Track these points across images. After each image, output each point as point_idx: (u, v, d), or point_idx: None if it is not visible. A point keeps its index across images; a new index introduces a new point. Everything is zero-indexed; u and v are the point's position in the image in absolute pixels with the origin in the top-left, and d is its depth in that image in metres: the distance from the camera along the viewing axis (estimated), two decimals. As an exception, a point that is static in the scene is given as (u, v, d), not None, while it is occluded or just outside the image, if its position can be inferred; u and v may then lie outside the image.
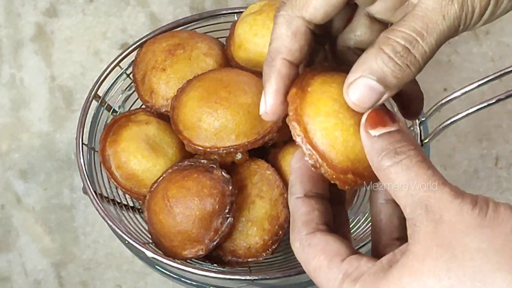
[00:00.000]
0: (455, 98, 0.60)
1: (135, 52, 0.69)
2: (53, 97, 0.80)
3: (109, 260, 0.73)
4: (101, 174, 0.66)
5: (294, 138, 0.40)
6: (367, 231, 0.63)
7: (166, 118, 0.66)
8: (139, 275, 0.72)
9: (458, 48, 0.80)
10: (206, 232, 0.59)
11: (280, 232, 0.61)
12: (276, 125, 0.61)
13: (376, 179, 0.39)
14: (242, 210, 0.61)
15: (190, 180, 0.60)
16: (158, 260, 0.60)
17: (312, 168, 0.40)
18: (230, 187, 0.60)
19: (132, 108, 0.70)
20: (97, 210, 0.62)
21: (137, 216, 0.67)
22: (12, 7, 0.84)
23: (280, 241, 0.61)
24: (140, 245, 0.60)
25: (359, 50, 0.43)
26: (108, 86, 0.69)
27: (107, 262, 0.72)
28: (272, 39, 0.40)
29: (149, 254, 0.60)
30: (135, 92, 0.69)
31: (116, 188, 0.65)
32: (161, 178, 0.62)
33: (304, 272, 0.58)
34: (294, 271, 0.59)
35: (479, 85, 0.59)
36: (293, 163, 0.42)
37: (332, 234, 0.40)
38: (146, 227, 0.64)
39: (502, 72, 0.58)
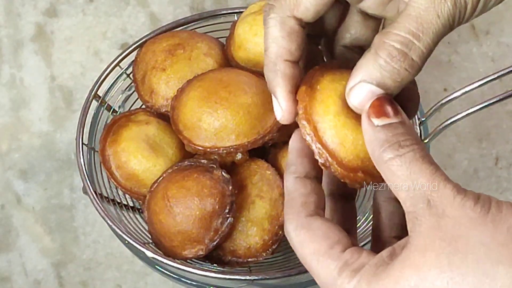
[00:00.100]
0: (455, 98, 0.60)
1: (135, 52, 0.69)
2: (53, 97, 0.80)
3: (109, 260, 0.73)
4: (101, 174, 0.66)
5: (303, 136, 0.40)
6: (367, 231, 0.63)
7: (166, 118, 0.66)
8: (139, 275, 0.72)
9: (458, 48, 0.80)
10: (206, 232, 0.59)
11: (280, 232, 0.61)
12: (276, 125, 0.61)
13: None
14: (242, 210, 0.61)
15: (190, 180, 0.60)
16: (158, 260, 0.60)
17: (322, 167, 0.39)
18: (230, 187, 0.60)
19: (132, 108, 0.70)
20: (97, 210, 0.62)
21: (137, 216, 0.67)
22: (12, 7, 0.84)
23: (280, 241, 0.61)
24: (140, 245, 0.60)
25: (357, 48, 0.43)
26: (108, 86, 0.69)
27: (107, 262, 0.72)
28: (268, 44, 0.40)
29: (149, 254, 0.60)
30: (135, 92, 0.69)
31: (116, 188, 0.65)
32: (161, 178, 0.62)
33: (304, 272, 0.58)
34: (294, 271, 0.59)
35: (479, 85, 0.59)
36: (292, 143, 0.42)
37: (331, 221, 0.40)
38: (146, 227, 0.64)
39: (502, 72, 0.58)
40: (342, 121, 0.39)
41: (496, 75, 0.58)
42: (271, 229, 0.61)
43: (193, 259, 0.62)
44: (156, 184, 0.62)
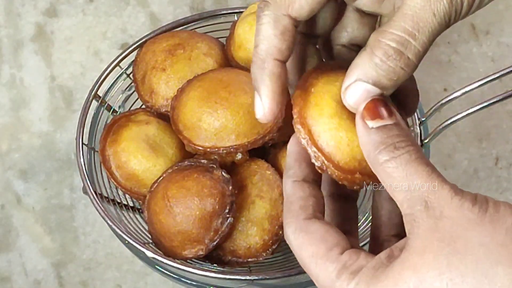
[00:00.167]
0: (455, 98, 0.60)
1: (135, 52, 0.69)
2: (53, 97, 0.80)
3: (109, 260, 0.73)
4: (101, 174, 0.66)
5: (299, 140, 0.40)
6: (367, 231, 0.63)
7: (166, 118, 0.66)
8: (139, 275, 0.72)
9: (458, 48, 0.80)
10: (206, 232, 0.59)
11: (280, 232, 0.61)
12: (276, 125, 0.61)
13: None
14: (242, 210, 0.61)
15: (190, 180, 0.60)
16: (158, 260, 0.60)
17: (319, 170, 0.39)
18: (230, 187, 0.60)
19: (132, 108, 0.70)
20: (97, 210, 0.62)
21: (137, 216, 0.67)
22: (12, 7, 0.84)
23: (280, 241, 0.61)
24: (140, 245, 0.60)
25: (354, 46, 0.43)
26: (108, 86, 0.69)
27: (107, 262, 0.72)
28: (258, 40, 0.40)
29: (149, 254, 0.60)
30: (135, 92, 0.69)
31: (116, 188, 0.65)
32: (161, 178, 0.62)
33: (304, 272, 0.58)
34: (294, 271, 0.59)
35: (479, 85, 0.59)
36: (290, 146, 0.42)
37: (330, 224, 0.40)
38: (146, 227, 0.64)
39: (502, 72, 0.58)
40: (337, 123, 0.39)
41: (496, 75, 0.58)
42: (271, 229, 0.61)
43: (193, 259, 0.62)
44: (156, 184, 0.62)
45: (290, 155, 0.42)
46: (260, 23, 0.40)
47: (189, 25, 0.71)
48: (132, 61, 0.69)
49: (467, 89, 0.59)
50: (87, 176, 0.63)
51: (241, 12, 0.70)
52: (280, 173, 0.63)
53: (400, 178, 0.36)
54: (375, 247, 0.41)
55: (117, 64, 0.69)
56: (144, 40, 0.69)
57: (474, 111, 0.59)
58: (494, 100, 0.58)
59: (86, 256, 0.73)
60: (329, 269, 0.37)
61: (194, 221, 0.59)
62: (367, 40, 0.38)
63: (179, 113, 0.63)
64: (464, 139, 0.76)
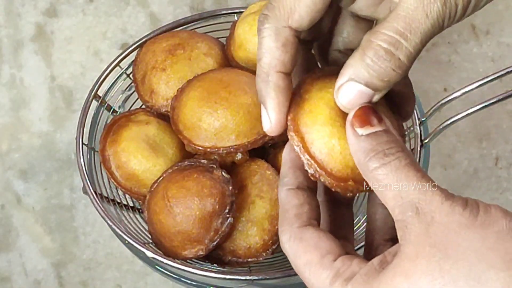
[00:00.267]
0: (455, 98, 0.60)
1: (135, 52, 0.69)
2: (53, 97, 0.80)
3: (109, 260, 0.73)
4: (101, 174, 0.66)
5: (293, 148, 0.40)
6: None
7: (166, 118, 0.66)
8: (139, 275, 0.72)
9: (458, 48, 0.80)
10: (206, 232, 0.59)
11: (280, 232, 0.61)
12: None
13: None
14: (242, 210, 0.61)
15: (190, 180, 0.60)
16: (158, 260, 0.60)
17: (312, 178, 0.39)
18: (230, 187, 0.60)
19: (132, 108, 0.70)
20: (97, 210, 0.62)
21: (137, 216, 0.67)
22: (12, 7, 0.84)
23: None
24: (140, 245, 0.60)
25: (350, 51, 0.43)
26: (108, 86, 0.69)
27: (107, 262, 0.72)
28: (261, 54, 0.40)
29: (149, 254, 0.60)
30: (135, 92, 0.69)
31: (116, 188, 0.65)
32: (161, 178, 0.62)
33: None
34: (294, 271, 0.59)
35: (479, 85, 0.59)
36: (285, 154, 0.42)
37: (324, 230, 0.40)
38: (146, 227, 0.64)
39: (502, 72, 0.58)
40: (330, 131, 0.39)
41: (496, 75, 0.58)
42: (271, 229, 0.61)
43: (193, 259, 0.62)
44: (156, 184, 0.62)
45: (284, 163, 0.42)
46: (261, 37, 0.40)
47: (189, 25, 0.71)
48: (132, 61, 0.69)
49: (467, 89, 0.59)
50: (87, 176, 0.63)
51: (241, 12, 0.70)
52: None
53: (391, 185, 0.36)
54: (370, 252, 0.41)
55: (117, 64, 0.69)
56: (144, 40, 0.69)
57: (474, 111, 0.59)
58: (494, 100, 0.58)
59: (86, 256, 0.73)
60: (323, 276, 0.38)
61: (194, 221, 0.59)
62: None
63: (179, 113, 0.63)
64: (464, 139, 0.76)
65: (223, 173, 0.60)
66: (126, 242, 0.61)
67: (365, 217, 0.64)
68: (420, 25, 0.36)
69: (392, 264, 0.36)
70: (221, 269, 0.62)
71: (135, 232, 0.63)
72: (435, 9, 0.36)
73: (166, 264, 0.60)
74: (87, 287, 0.72)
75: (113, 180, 0.64)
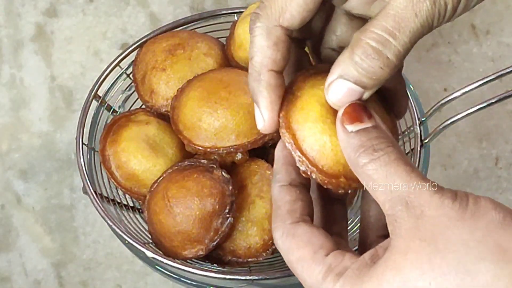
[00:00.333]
0: (455, 98, 0.60)
1: (135, 52, 0.69)
2: (53, 97, 0.80)
3: (109, 260, 0.73)
4: (101, 174, 0.66)
5: (285, 145, 0.40)
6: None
7: (166, 118, 0.66)
8: (139, 275, 0.72)
9: (458, 48, 0.80)
10: (206, 232, 0.59)
11: (280, 232, 0.61)
12: (276, 125, 0.60)
13: None
14: (242, 210, 0.61)
15: (190, 180, 0.60)
16: (158, 260, 0.60)
17: (303, 175, 0.40)
18: (230, 187, 0.60)
19: (132, 108, 0.70)
20: (97, 210, 0.62)
21: (137, 216, 0.67)
22: (12, 7, 0.84)
23: (280, 241, 0.61)
24: (140, 245, 0.60)
25: (343, 49, 0.43)
26: (108, 86, 0.69)
27: (107, 262, 0.72)
28: (253, 53, 0.40)
29: (149, 254, 0.60)
30: (135, 92, 0.69)
31: (116, 188, 0.65)
32: (161, 178, 0.62)
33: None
34: (294, 271, 0.59)
35: (479, 85, 0.59)
36: (277, 151, 0.42)
37: (316, 226, 0.40)
38: (146, 227, 0.64)
39: (502, 72, 0.58)
40: (321, 128, 0.39)
41: (496, 75, 0.58)
42: (271, 229, 0.61)
43: (193, 259, 0.62)
44: (156, 184, 0.62)
45: (277, 160, 0.42)
46: (253, 35, 0.40)
47: (189, 25, 0.71)
48: (132, 61, 0.69)
49: (467, 89, 0.59)
50: (87, 176, 0.63)
51: (241, 12, 0.70)
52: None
53: (380, 180, 0.36)
54: (364, 249, 0.41)
55: (117, 64, 0.69)
56: (144, 40, 0.69)
57: (474, 111, 0.59)
58: (494, 100, 0.58)
59: (86, 256, 0.73)
60: (315, 272, 0.38)
61: (194, 221, 0.59)
62: None
63: (179, 113, 0.63)
64: (464, 139, 0.76)
65: (223, 173, 0.60)
66: (126, 242, 0.61)
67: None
68: (409, 24, 0.36)
69: (383, 258, 0.36)
70: (221, 269, 0.62)
71: (135, 232, 0.63)
72: (424, 9, 0.37)
73: (166, 264, 0.60)
74: (87, 287, 0.72)
75: (113, 180, 0.64)
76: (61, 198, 0.75)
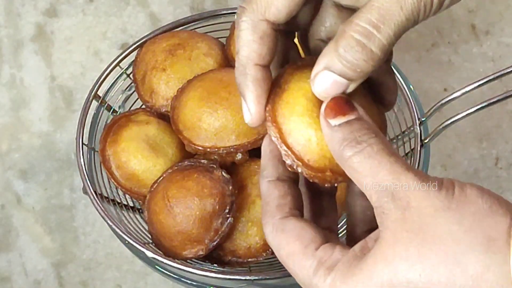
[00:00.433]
0: (455, 98, 0.60)
1: (135, 52, 0.69)
2: (53, 97, 0.80)
3: (109, 260, 0.73)
4: (101, 174, 0.66)
5: (271, 139, 0.40)
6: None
7: (166, 118, 0.66)
8: (139, 275, 0.72)
9: (458, 48, 0.80)
10: (206, 232, 0.59)
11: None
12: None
13: None
14: (242, 210, 0.61)
15: (190, 180, 0.60)
16: (158, 260, 0.60)
17: (289, 169, 0.39)
18: (230, 187, 0.60)
19: (132, 108, 0.70)
20: (97, 210, 0.62)
21: (137, 216, 0.67)
22: (12, 7, 0.84)
23: (280, 241, 0.61)
24: (140, 245, 0.60)
25: None
26: (108, 86, 0.69)
27: (107, 262, 0.72)
28: (239, 47, 0.40)
29: (149, 254, 0.60)
30: (135, 92, 0.69)
31: (116, 188, 0.65)
32: (161, 178, 0.62)
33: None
34: (294, 271, 0.59)
35: (479, 85, 0.59)
36: (264, 145, 0.42)
37: (306, 220, 0.40)
38: (146, 227, 0.64)
39: (502, 72, 0.58)
40: (307, 122, 0.39)
41: (496, 75, 0.58)
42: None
43: (193, 259, 0.62)
44: (156, 184, 0.62)
45: (264, 155, 0.42)
46: (239, 29, 0.40)
47: (189, 25, 0.71)
48: (132, 61, 0.69)
49: (467, 89, 0.59)
50: (87, 176, 0.63)
51: (241, 12, 0.70)
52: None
53: (365, 172, 0.36)
54: (352, 244, 0.41)
55: (117, 64, 0.69)
56: (144, 40, 0.69)
57: (474, 111, 0.59)
58: (494, 100, 0.58)
59: (86, 256, 0.73)
60: (306, 266, 0.38)
61: (194, 221, 0.59)
62: None
63: (179, 113, 0.63)
64: (464, 139, 0.76)
65: (223, 173, 0.60)
66: (126, 242, 0.61)
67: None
68: (394, 17, 0.36)
69: (372, 250, 0.36)
70: (221, 269, 0.62)
71: (135, 232, 0.63)
72: (409, 2, 0.36)
73: (166, 264, 0.60)
74: (87, 287, 0.72)
75: (113, 180, 0.64)
76: (61, 198, 0.75)
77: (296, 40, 0.44)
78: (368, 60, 0.37)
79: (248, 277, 0.59)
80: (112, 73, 0.69)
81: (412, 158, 0.63)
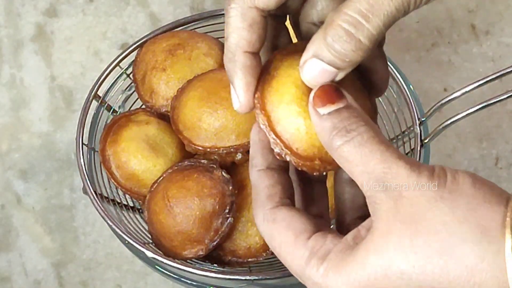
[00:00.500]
0: (455, 98, 0.60)
1: (135, 52, 0.69)
2: (53, 97, 0.80)
3: (109, 260, 0.73)
4: (101, 174, 0.66)
5: (260, 126, 0.39)
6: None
7: (166, 118, 0.66)
8: (139, 275, 0.72)
9: (458, 48, 0.80)
10: (206, 232, 0.59)
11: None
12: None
13: None
14: (242, 210, 0.61)
15: (190, 180, 0.60)
16: (158, 260, 0.60)
17: (277, 157, 0.39)
18: (230, 187, 0.60)
19: (132, 108, 0.70)
20: (97, 210, 0.62)
21: (137, 216, 0.67)
22: (12, 7, 0.84)
23: (280, 241, 0.61)
24: (140, 245, 0.60)
25: None
26: (108, 86, 0.69)
27: (107, 262, 0.72)
28: (228, 34, 0.39)
29: (149, 254, 0.60)
30: (135, 92, 0.69)
31: (116, 188, 0.65)
32: (161, 178, 0.62)
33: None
34: (294, 271, 0.59)
35: (479, 85, 0.59)
36: (253, 134, 0.42)
37: (297, 209, 0.40)
38: (146, 227, 0.64)
39: (502, 72, 0.58)
40: (295, 110, 0.38)
41: (496, 75, 0.58)
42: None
43: (193, 259, 0.62)
44: (156, 184, 0.62)
45: (253, 144, 0.42)
46: (228, 16, 0.39)
47: (189, 25, 0.71)
48: (132, 61, 0.69)
49: (467, 89, 0.59)
50: (87, 176, 0.63)
51: (241, 12, 0.70)
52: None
53: (356, 161, 0.36)
54: (342, 232, 0.41)
55: (117, 64, 0.69)
56: (144, 40, 0.69)
57: (474, 111, 0.59)
58: (494, 100, 0.58)
59: (86, 256, 0.73)
60: (298, 256, 0.37)
61: (194, 221, 0.59)
62: None
63: (179, 113, 0.63)
64: (464, 139, 0.76)
65: (223, 173, 0.60)
66: (126, 242, 0.61)
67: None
68: (384, 7, 0.35)
69: (365, 241, 0.36)
70: (221, 269, 0.62)
71: (135, 232, 0.63)
72: None
73: (166, 264, 0.60)
74: (87, 287, 0.72)
75: (113, 180, 0.64)
76: (61, 198, 0.75)
77: (288, 23, 0.44)
78: (356, 50, 0.36)
79: (248, 277, 0.59)
80: (112, 73, 0.69)
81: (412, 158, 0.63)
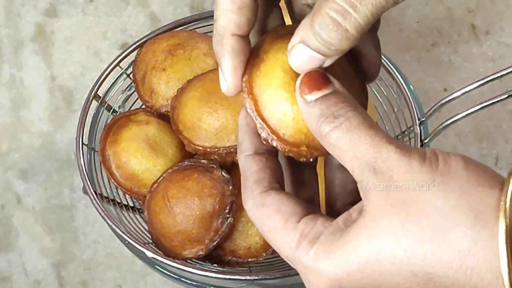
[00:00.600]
0: (455, 98, 0.60)
1: (135, 52, 0.69)
2: (53, 97, 0.80)
3: (109, 260, 0.73)
4: (101, 174, 0.66)
5: (247, 111, 0.39)
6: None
7: (166, 118, 0.66)
8: (139, 275, 0.72)
9: (458, 48, 0.80)
10: (206, 232, 0.59)
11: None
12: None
13: None
14: (242, 210, 0.61)
15: (190, 180, 0.60)
16: (158, 260, 0.60)
17: (264, 142, 0.38)
18: (230, 187, 0.60)
19: (132, 108, 0.70)
20: (97, 210, 0.62)
21: (137, 216, 0.67)
22: (12, 7, 0.84)
23: (280, 241, 0.61)
24: (140, 245, 0.60)
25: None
26: (108, 86, 0.69)
27: (107, 262, 0.72)
28: (217, 16, 0.38)
29: (149, 254, 0.60)
30: (135, 92, 0.69)
31: (116, 188, 0.65)
32: (161, 178, 0.62)
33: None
34: (294, 271, 0.59)
35: (479, 85, 0.59)
36: (241, 118, 0.41)
37: (286, 193, 0.39)
38: (146, 227, 0.64)
39: (502, 72, 0.58)
40: (283, 95, 0.38)
41: (496, 75, 0.58)
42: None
43: (193, 259, 0.62)
44: (156, 184, 0.62)
45: (240, 128, 0.41)
46: None
47: (189, 25, 0.71)
48: (132, 61, 0.69)
49: (467, 89, 0.59)
50: (87, 176, 0.63)
51: (241, 12, 0.70)
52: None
53: (345, 147, 0.35)
54: (332, 217, 0.40)
55: (117, 64, 0.69)
56: (144, 40, 0.69)
57: (474, 111, 0.59)
58: (494, 100, 0.58)
59: (86, 256, 0.73)
60: (288, 240, 0.37)
61: (194, 221, 0.59)
62: None
63: (179, 113, 0.63)
64: (464, 139, 0.76)
65: (223, 173, 0.60)
66: (126, 242, 0.61)
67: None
68: None
69: (356, 224, 0.35)
70: (221, 269, 0.62)
71: (135, 232, 0.63)
72: None
73: (166, 264, 0.60)
74: (87, 287, 0.72)
75: (113, 180, 0.64)
76: (61, 198, 0.75)
77: (282, 4, 0.43)
78: (342, 40, 0.35)
79: (248, 277, 0.59)
80: (112, 73, 0.69)
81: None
